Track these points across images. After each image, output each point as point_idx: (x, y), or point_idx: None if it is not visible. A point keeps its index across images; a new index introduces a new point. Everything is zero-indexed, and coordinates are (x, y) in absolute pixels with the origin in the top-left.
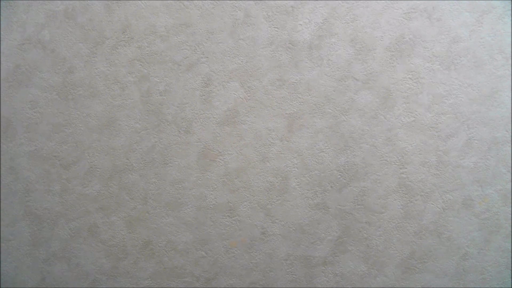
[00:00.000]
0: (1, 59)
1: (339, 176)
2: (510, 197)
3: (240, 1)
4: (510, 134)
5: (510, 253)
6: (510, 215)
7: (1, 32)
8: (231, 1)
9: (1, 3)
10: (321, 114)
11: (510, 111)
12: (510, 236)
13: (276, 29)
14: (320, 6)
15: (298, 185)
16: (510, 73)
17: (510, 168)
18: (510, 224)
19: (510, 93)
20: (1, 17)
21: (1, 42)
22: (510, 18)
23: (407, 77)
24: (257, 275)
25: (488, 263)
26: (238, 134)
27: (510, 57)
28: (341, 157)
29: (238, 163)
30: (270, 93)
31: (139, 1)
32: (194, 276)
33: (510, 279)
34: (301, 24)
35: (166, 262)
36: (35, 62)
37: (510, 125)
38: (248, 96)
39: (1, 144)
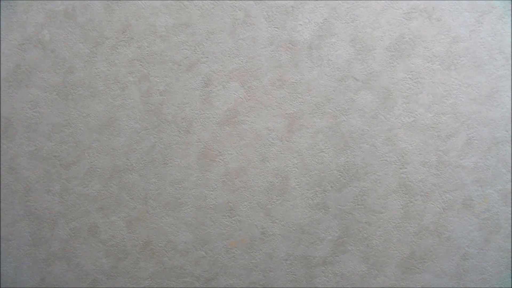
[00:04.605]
0: (1, 59)
1: (339, 176)
2: (510, 197)
3: (240, 1)
4: (510, 134)
5: (510, 253)
6: (510, 215)
7: (1, 32)
8: (231, 1)
9: (1, 3)
10: (321, 114)
11: (510, 111)
12: (510, 236)
13: (276, 29)
14: (320, 6)
15: (298, 185)
16: (510, 73)
17: (510, 168)
18: (510, 224)
19: (510, 93)
20: (1, 17)
21: (1, 42)
22: (510, 18)
23: (407, 77)
24: (257, 275)
25: (488, 263)
26: (238, 134)
27: (510, 57)
28: (341, 157)
29: (238, 163)
30: (270, 93)
31: (139, 1)
32: (194, 276)
33: (510, 279)
34: (301, 24)
35: (166, 262)
36: (35, 62)
37: (510, 125)
38: (248, 96)
39: (1, 144)
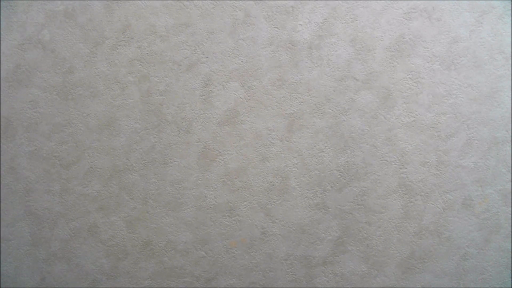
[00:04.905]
0: (1, 59)
1: (339, 176)
2: (510, 197)
3: (240, 1)
4: (510, 134)
5: (510, 253)
6: (510, 215)
7: (1, 32)
8: (231, 1)
9: (1, 3)
10: (321, 114)
11: (510, 111)
12: (510, 236)
13: (276, 29)
14: (320, 6)
15: (298, 185)
16: (510, 73)
17: (510, 168)
18: (510, 224)
19: (510, 93)
20: (1, 17)
21: (1, 42)
22: (510, 18)
23: (407, 77)
24: (257, 275)
25: (488, 263)
26: (238, 134)
27: (510, 57)
28: (341, 157)
29: (238, 163)
30: (270, 93)
31: (139, 1)
32: (194, 276)
33: (510, 279)
34: (301, 24)
35: (166, 262)
36: (35, 62)
37: (510, 125)
38: (248, 96)
39: (1, 144)
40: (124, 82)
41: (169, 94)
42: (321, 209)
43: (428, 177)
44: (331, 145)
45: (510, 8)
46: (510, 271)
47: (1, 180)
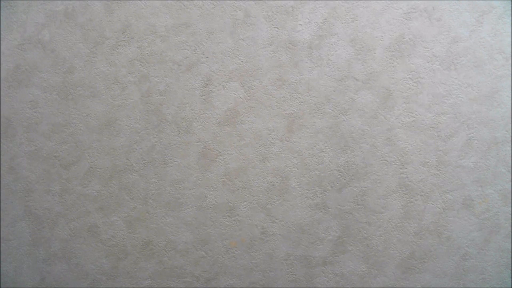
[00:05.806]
0: (1, 59)
1: (339, 176)
2: (510, 197)
3: (240, 1)
4: (510, 134)
5: (510, 253)
6: (510, 215)
7: (1, 32)
8: (231, 1)
9: (1, 3)
10: (321, 114)
11: (510, 111)
12: (510, 236)
13: (276, 29)
14: (320, 6)
15: (298, 185)
16: (510, 73)
17: (510, 168)
18: (510, 224)
19: (510, 93)
20: (1, 17)
21: (1, 42)
22: (510, 18)
23: (407, 77)
24: (257, 275)
25: (488, 263)
26: (238, 134)
27: (510, 57)
28: (341, 157)
29: (238, 163)
30: (270, 93)
31: (139, 1)
32: (194, 276)
33: (510, 279)
34: (301, 24)
35: (166, 262)
36: (35, 62)
37: (510, 125)
38: (248, 96)
39: (1, 144)
40: (124, 82)
41: (169, 94)
42: (321, 209)
43: (428, 177)
44: (331, 145)
45: (510, 8)
46: (510, 271)
47: (1, 180)
